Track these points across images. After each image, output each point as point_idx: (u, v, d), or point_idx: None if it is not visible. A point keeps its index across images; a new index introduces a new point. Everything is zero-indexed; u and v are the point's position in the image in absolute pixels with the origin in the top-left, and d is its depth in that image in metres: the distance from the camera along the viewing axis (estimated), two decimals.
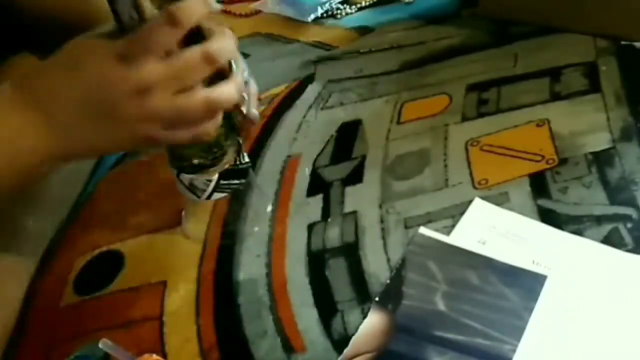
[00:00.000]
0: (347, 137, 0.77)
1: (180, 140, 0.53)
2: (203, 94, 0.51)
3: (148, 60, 0.48)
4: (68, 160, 0.54)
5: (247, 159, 0.61)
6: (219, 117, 0.54)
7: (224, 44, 0.52)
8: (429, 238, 0.61)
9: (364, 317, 0.56)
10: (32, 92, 0.51)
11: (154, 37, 0.49)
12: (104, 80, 0.49)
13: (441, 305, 0.55)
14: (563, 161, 0.66)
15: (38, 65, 0.54)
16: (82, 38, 0.53)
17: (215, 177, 0.60)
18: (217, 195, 0.61)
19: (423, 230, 0.62)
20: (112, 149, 0.56)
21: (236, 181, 0.61)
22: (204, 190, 0.60)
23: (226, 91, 0.52)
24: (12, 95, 0.51)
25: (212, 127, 0.53)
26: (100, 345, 0.53)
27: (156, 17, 0.49)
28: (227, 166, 0.60)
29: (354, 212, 0.66)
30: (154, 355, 0.53)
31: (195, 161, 0.58)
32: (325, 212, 0.67)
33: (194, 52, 0.49)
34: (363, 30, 0.98)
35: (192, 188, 0.60)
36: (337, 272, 0.61)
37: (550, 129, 0.70)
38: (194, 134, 0.53)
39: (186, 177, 0.59)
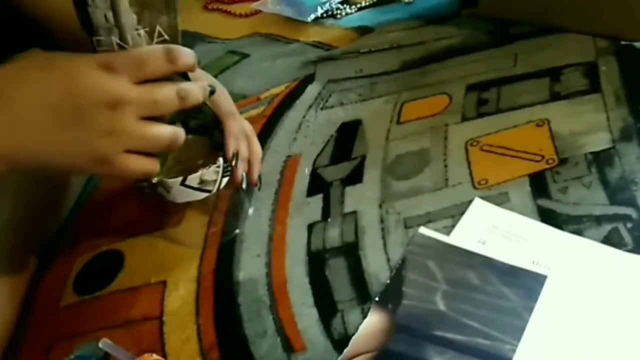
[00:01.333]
0: (347, 137, 0.77)
1: (131, 172, 0.51)
2: (171, 128, 0.52)
3: (130, 77, 0.49)
4: (11, 164, 0.49)
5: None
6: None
7: (196, 87, 0.53)
8: (429, 238, 0.61)
9: (364, 317, 0.56)
10: None
11: (147, 60, 0.49)
12: (79, 82, 0.48)
13: (441, 305, 0.55)
14: (563, 161, 0.66)
15: (8, 65, 0.52)
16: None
17: (221, 161, 0.61)
18: (224, 181, 0.62)
19: (423, 230, 0.62)
20: (63, 161, 0.50)
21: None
22: (215, 180, 0.61)
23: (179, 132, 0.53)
24: None
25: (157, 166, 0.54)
26: (100, 345, 0.53)
27: (155, 48, 0.50)
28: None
29: (354, 212, 0.66)
30: (154, 355, 0.53)
31: (155, 180, 0.58)
32: (325, 212, 0.67)
33: (171, 86, 0.51)
34: (363, 30, 0.98)
35: (202, 185, 0.60)
36: (337, 272, 0.61)
37: (550, 129, 0.70)
38: (147, 168, 0.52)
39: (194, 177, 0.59)
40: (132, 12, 0.49)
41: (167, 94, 0.50)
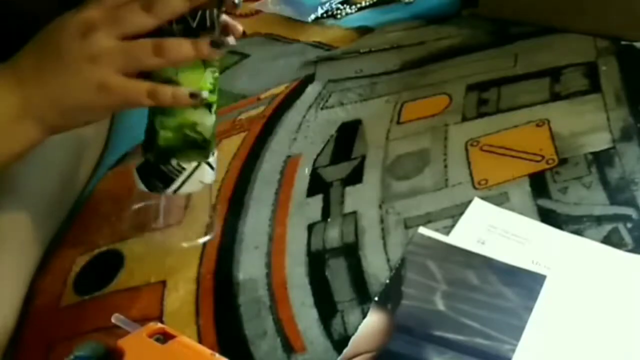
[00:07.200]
0: (347, 137, 0.77)
1: (136, 92, 0.53)
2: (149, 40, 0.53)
3: (92, 6, 0.52)
4: (44, 123, 0.54)
5: None
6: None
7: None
8: (429, 238, 0.61)
9: (364, 317, 0.56)
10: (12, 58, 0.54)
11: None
12: (54, 25, 0.53)
13: (441, 305, 0.55)
14: (563, 161, 0.66)
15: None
16: None
17: None
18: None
19: (422, 230, 0.62)
20: (70, 99, 0.53)
21: None
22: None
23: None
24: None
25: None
26: (113, 320, 0.54)
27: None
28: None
29: (354, 212, 0.66)
30: (159, 324, 0.53)
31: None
32: (325, 212, 0.67)
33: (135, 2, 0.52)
34: (363, 30, 0.98)
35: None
36: (337, 272, 0.61)
37: (550, 129, 0.71)
38: (151, 89, 0.53)
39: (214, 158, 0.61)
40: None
41: (128, 8, 0.52)
